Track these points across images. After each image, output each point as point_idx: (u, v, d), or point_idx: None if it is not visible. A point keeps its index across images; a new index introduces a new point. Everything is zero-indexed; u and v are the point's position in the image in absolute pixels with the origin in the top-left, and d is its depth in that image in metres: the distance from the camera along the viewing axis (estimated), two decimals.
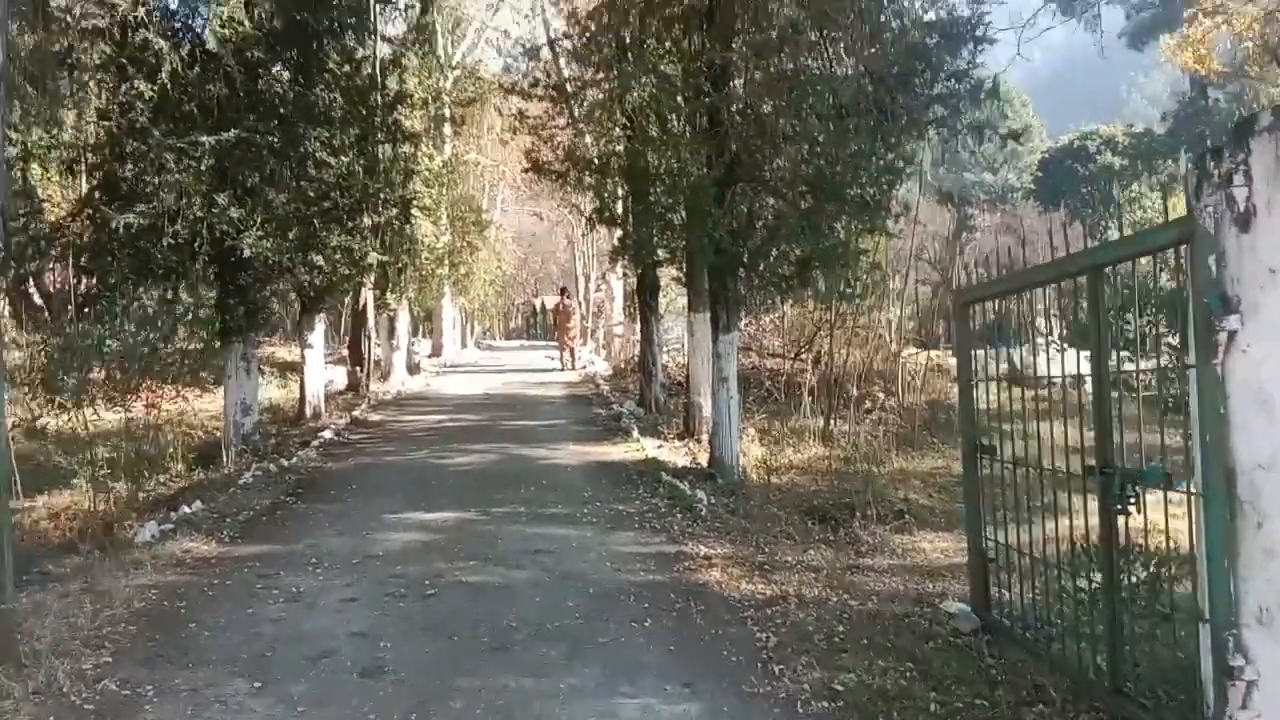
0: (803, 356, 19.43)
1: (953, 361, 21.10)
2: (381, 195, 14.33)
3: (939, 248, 29.35)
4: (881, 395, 17.83)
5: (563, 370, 25.89)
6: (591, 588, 6.69)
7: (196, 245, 12.03)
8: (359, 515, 9.14)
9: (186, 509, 9.34)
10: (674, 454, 12.67)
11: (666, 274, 19.49)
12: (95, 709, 4.69)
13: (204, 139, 11.63)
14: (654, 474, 10.79)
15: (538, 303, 63.96)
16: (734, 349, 10.74)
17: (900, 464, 12.74)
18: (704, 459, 12.05)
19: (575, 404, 18.45)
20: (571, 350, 26.34)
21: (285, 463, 11.97)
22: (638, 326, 25.23)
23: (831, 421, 15.46)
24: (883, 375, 18.82)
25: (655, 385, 17.14)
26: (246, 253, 12.03)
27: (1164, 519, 4.42)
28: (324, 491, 10.40)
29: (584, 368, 25.38)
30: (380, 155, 14.49)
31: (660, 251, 12.45)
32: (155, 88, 11.58)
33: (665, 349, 19.90)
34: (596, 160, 11.49)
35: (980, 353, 6.27)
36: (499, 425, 15.57)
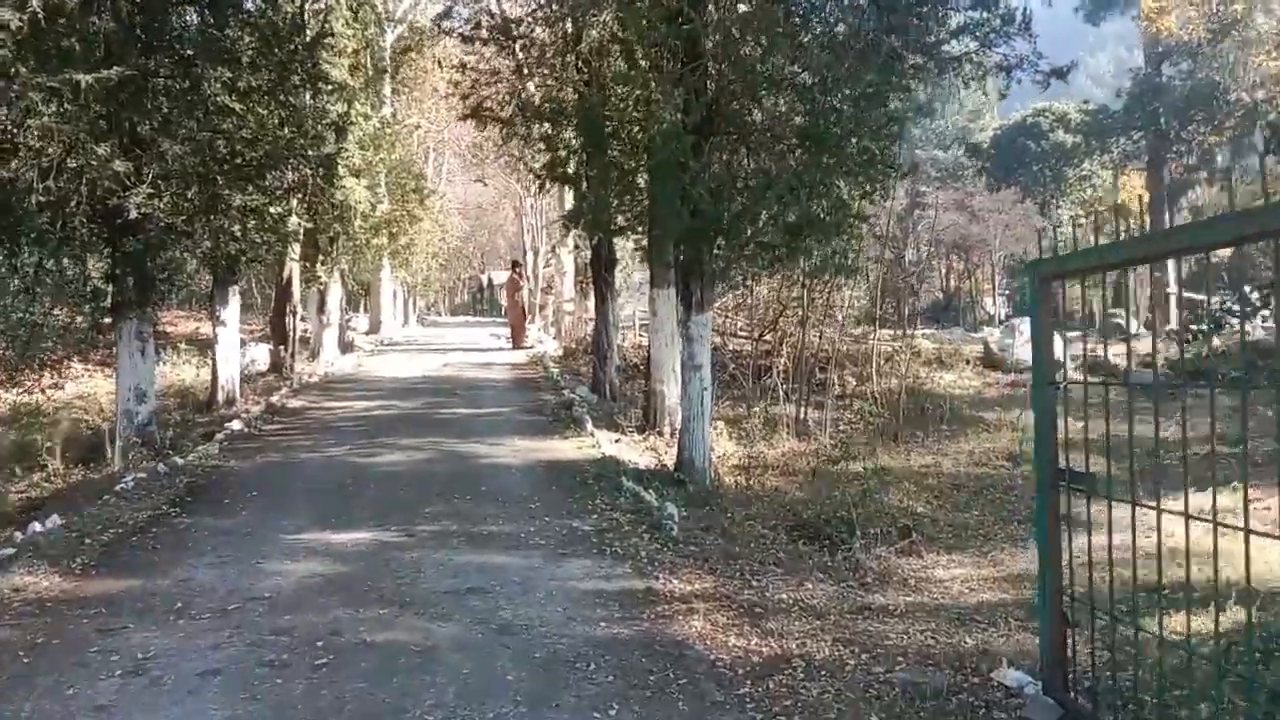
0: (766, 338, 17.97)
1: (926, 344, 19.84)
2: (301, 150, 12.51)
3: (890, 223, 28.10)
4: (853, 380, 16.46)
5: (511, 349, 24.16)
6: (539, 649, 5.10)
7: (75, 204, 10.22)
8: (252, 535, 7.44)
9: (39, 526, 7.57)
10: (634, 451, 11.09)
11: (625, 247, 17.89)
12: None
13: (81, 77, 9.74)
14: (612, 477, 9.20)
15: (484, 277, 61.94)
16: (708, 331, 9.17)
17: (886, 460, 11.33)
18: (669, 458, 10.50)
19: (522, 389, 16.76)
20: (521, 328, 24.59)
21: (180, 460, 10.20)
22: (590, 303, 23.61)
23: (803, 410, 14.04)
24: (852, 358, 17.45)
25: (610, 368, 15.55)
26: (134, 213, 10.23)
27: None
28: (216, 501, 8.66)
29: (532, 347, 23.67)
30: (299, 105, 12.67)
31: (620, 218, 10.81)
32: (25, 17, 9.67)
33: (620, 328, 18.30)
34: (548, 106, 9.80)
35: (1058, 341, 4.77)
36: (436, 414, 13.86)
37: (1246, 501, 3.44)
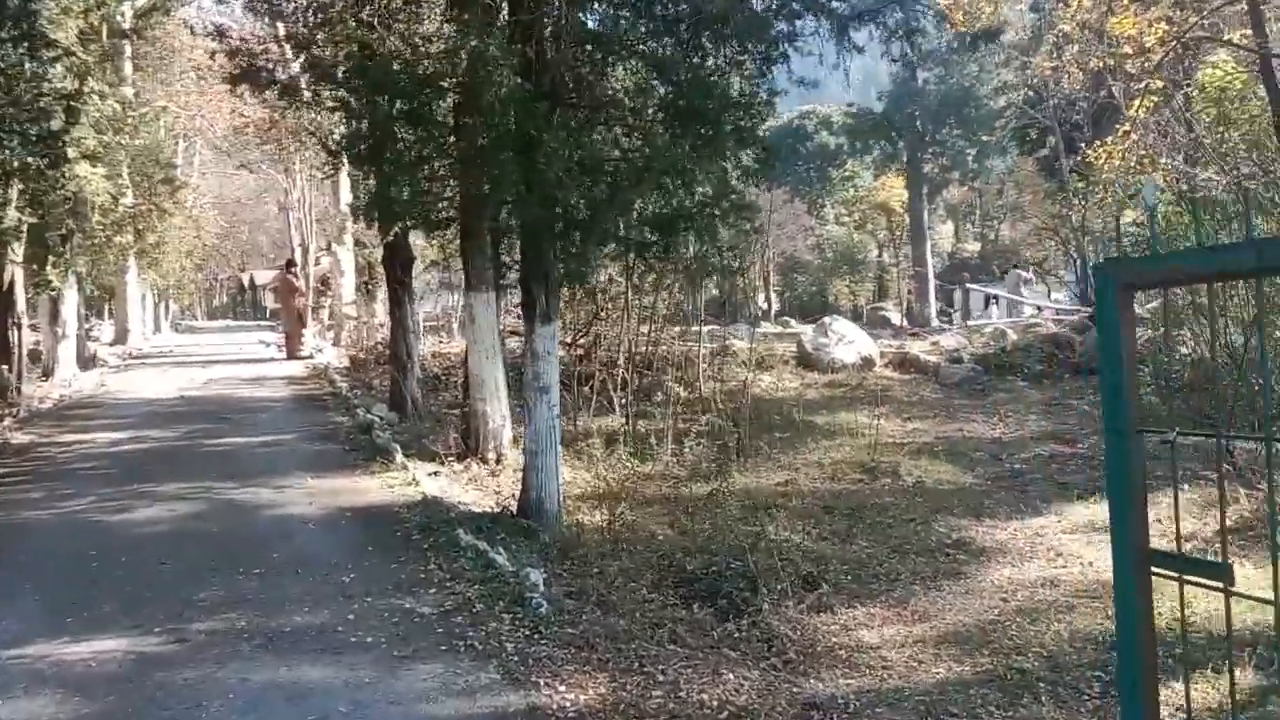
0: (579, 343, 16.52)
1: (742, 345, 18.96)
2: (15, 126, 9.91)
3: None
4: (677, 387, 15.29)
5: (285, 359, 21.46)
6: None
7: None
8: None
9: None
10: (460, 486, 9.34)
11: (415, 243, 15.90)
12: None
13: None
14: (444, 527, 7.43)
15: (245, 277, 57.14)
16: (555, 345, 7.59)
17: (739, 478, 10.15)
18: (505, 490, 8.88)
19: (308, 408, 14.44)
20: (297, 336, 21.88)
21: None
22: (379, 306, 21.33)
23: (630, 420, 12.72)
24: (673, 361, 16.31)
25: (412, 382, 13.60)
26: None
27: None
28: None
29: (310, 357, 21.07)
30: (10, 68, 10.05)
31: (429, 207, 9.00)
32: None
33: (420, 335, 16.34)
34: (348, 65, 7.80)
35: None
36: (203, 447, 11.46)
37: None
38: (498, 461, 10.27)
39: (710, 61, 6.98)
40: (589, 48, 6.95)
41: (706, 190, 6.72)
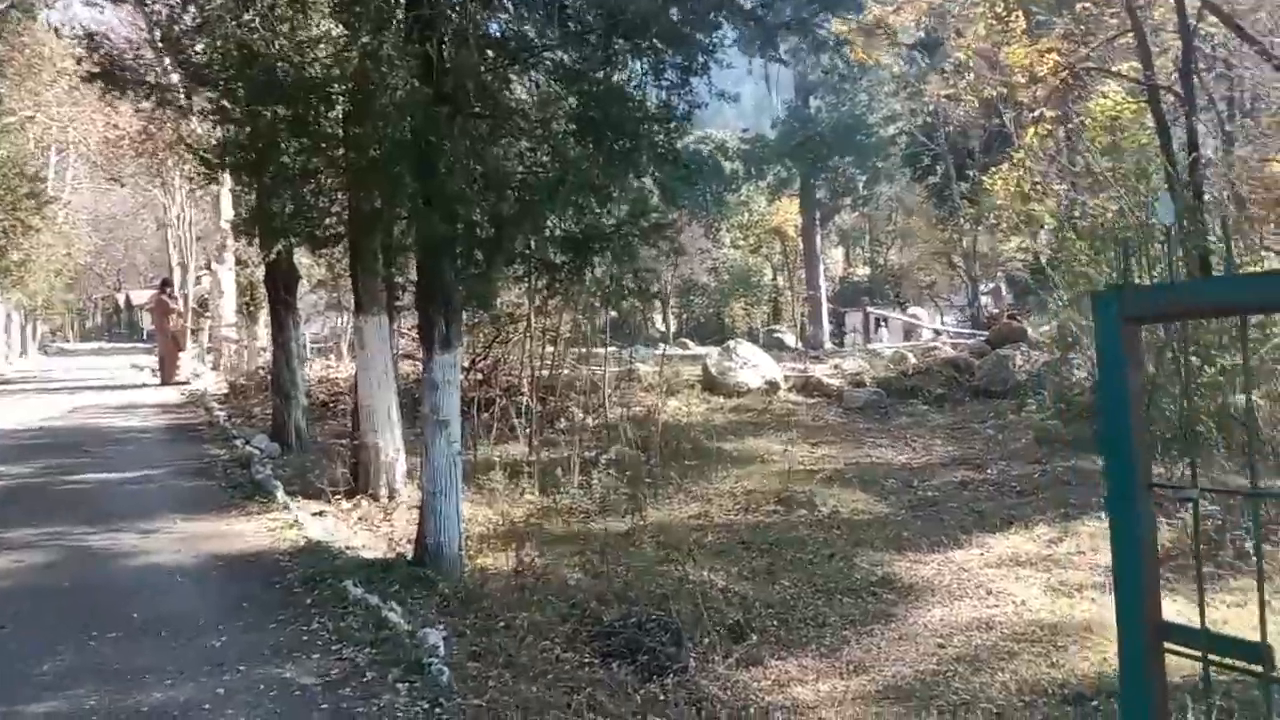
0: (479, 366, 15.81)
1: (647, 369, 18.53)
2: None
3: None
4: (580, 412, 14.74)
5: (160, 386, 20.10)
6: None
7: None
8: None
9: None
10: (348, 527, 8.57)
11: (300, 262, 14.99)
12: None
13: None
14: (331, 578, 6.68)
15: (120, 297, 54.38)
16: (457, 374, 6.95)
17: (653, 513, 9.63)
18: (399, 531, 8.17)
19: (180, 440, 13.35)
20: (173, 361, 20.52)
21: None
22: (261, 329, 20.22)
23: (534, 450, 12.10)
24: (575, 387, 15.75)
25: (296, 410, 12.69)
26: None
27: None
28: None
29: (187, 383, 19.78)
30: None
31: (318, 222, 8.26)
32: None
33: (305, 360, 15.41)
34: (225, 65, 7.00)
35: None
36: (60, 485, 10.37)
37: None
38: (390, 498, 9.53)
39: (624, 72, 6.48)
40: (492, 53, 6.36)
41: (622, 209, 6.22)
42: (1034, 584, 7.43)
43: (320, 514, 8.83)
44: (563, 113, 6.41)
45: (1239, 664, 1.94)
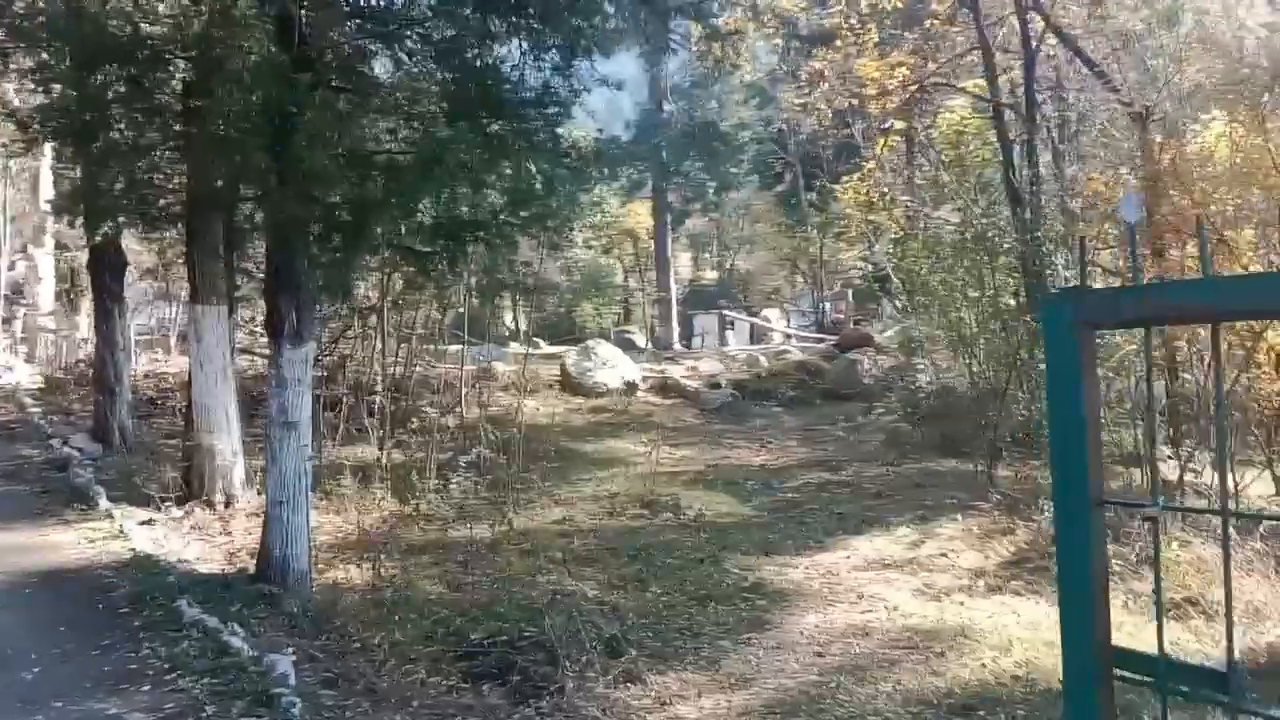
0: (324, 362, 14.96)
1: (504, 368, 18.04)
2: None
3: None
4: (435, 413, 14.13)
5: None
6: None
7: None
8: None
9: None
10: (181, 538, 7.82)
11: (135, 248, 13.83)
12: None
13: None
14: (162, 599, 5.99)
15: None
16: (309, 372, 6.37)
17: (515, 519, 9.21)
18: (240, 542, 7.49)
19: None
20: None
21: None
22: (83, 319, 18.66)
23: (386, 452, 11.47)
24: (428, 385, 15.15)
25: (121, 408, 11.63)
26: None
27: None
28: None
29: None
30: None
31: (152, 201, 7.49)
32: None
33: (134, 352, 14.22)
34: (48, 23, 6.12)
35: None
36: None
37: None
38: (228, 506, 8.78)
39: (501, 49, 6.08)
40: (358, 22, 5.85)
41: (500, 197, 5.81)
42: (902, 588, 7.43)
43: (149, 523, 8.03)
44: (434, 90, 5.95)
45: (1204, 693, 1.72)
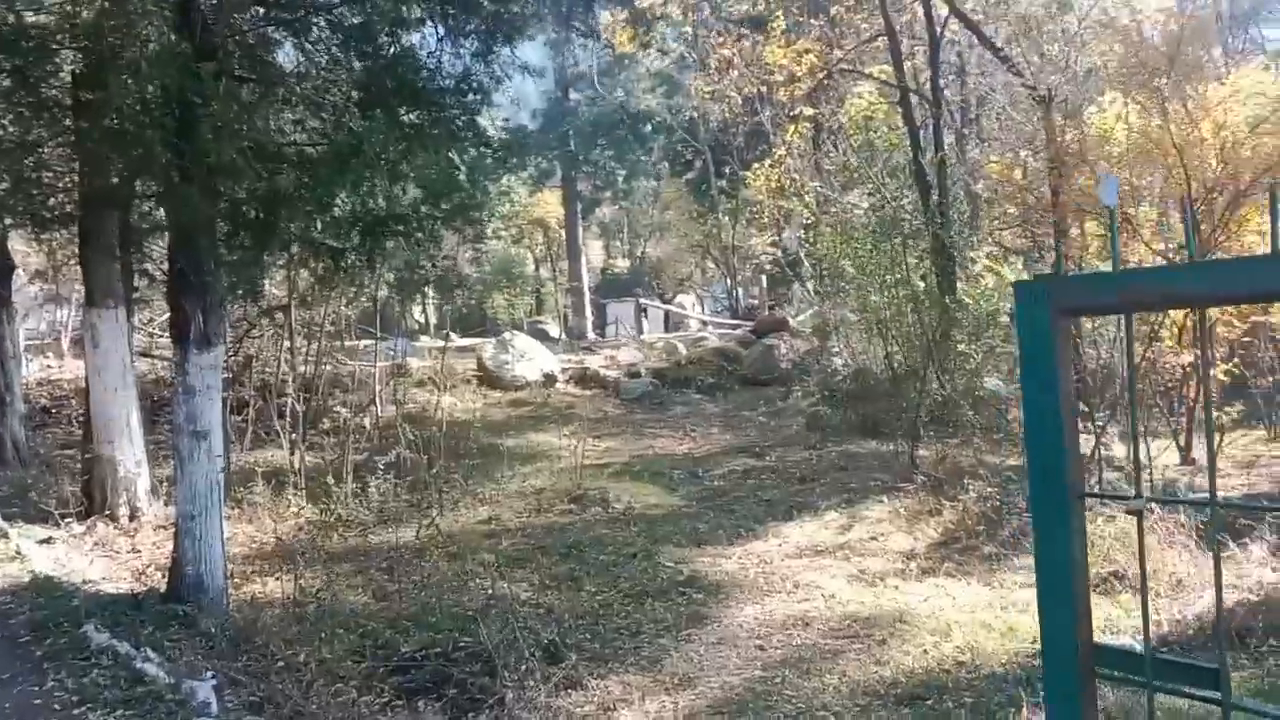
0: (228, 363, 14.38)
1: (418, 363, 17.65)
2: None
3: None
4: (345, 411, 13.71)
5: None
6: None
7: None
8: None
9: None
10: (84, 556, 7.37)
11: (22, 249, 13.08)
12: None
13: None
14: (66, 624, 5.61)
15: None
16: (219, 377, 6.04)
17: (440, 520, 8.95)
18: (147, 557, 7.10)
19: None
20: None
21: None
22: None
23: (299, 455, 11.07)
24: (338, 384, 14.73)
25: (13, 419, 11.00)
26: None
27: None
28: None
29: None
30: None
31: (41, 201, 7.03)
32: None
33: (25, 359, 13.46)
34: None
35: None
36: None
37: None
38: (132, 519, 8.34)
39: (415, 36, 5.83)
40: (264, 8, 5.54)
41: (418, 189, 5.56)
42: (837, 574, 7.42)
43: (48, 541, 7.56)
44: (346, 79, 5.67)
45: (1193, 691, 1.66)
